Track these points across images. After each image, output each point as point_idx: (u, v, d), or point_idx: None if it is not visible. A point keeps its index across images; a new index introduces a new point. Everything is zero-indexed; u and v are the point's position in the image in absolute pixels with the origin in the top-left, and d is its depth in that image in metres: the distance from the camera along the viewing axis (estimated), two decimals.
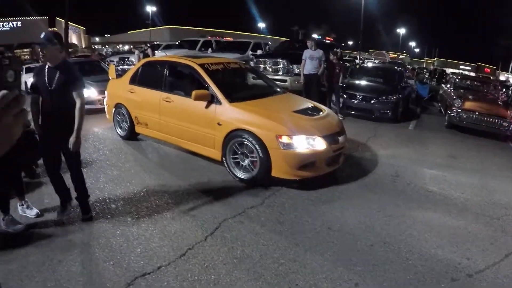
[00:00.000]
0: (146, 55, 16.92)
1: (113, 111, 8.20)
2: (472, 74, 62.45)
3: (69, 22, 32.31)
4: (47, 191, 5.23)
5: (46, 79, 4.09)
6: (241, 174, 5.87)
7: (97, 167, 6.44)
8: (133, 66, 12.87)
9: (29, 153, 5.23)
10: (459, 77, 17.13)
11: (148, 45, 22.34)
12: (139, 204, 5.05)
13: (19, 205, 4.69)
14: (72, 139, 4.25)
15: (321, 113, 6.39)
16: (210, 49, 19.26)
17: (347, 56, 33.55)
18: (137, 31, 73.88)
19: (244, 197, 5.35)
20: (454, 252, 4.14)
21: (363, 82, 12.97)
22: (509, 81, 39.81)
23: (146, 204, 5.03)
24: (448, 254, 4.09)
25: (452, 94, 12.78)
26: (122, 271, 3.58)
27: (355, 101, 11.69)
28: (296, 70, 12.79)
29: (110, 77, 8.70)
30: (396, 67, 16.32)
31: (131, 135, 7.97)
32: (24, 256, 3.78)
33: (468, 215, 5.12)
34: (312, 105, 6.76)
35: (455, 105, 11.13)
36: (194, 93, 6.04)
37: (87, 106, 10.68)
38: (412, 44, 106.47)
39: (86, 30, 67.97)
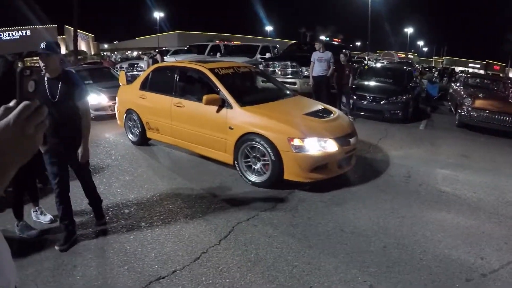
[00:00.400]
0: (155, 61, 17.00)
1: (124, 117, 8.27)
2: (481, 71, 62.02)
3: (78, 30, 32.54)
4: None
5: (48, 91, 3.89)
6: (253, 178, 5.89)
7: (109, 173, 6.49)
8: (142, 72, 12.94)
9: (42, 160, 5.29)
10: (468, 75, 16.99)
11: (157, 50, 22.45)
12: (152, 208, 5.09)
13: (33, 211, 4.75)
14: (80, 150, 4.16)
15: (331, 115, 6.39)
16: (218, 54, 19.30)
17: (355, 57, 33.44)
18: (145, 37, 74.26)
19: (256, 200, 5.37)
20: (468, 252, 4.12)
21: (373, 83, 12.94)
22: None
23: (159, 209, 5.07)
24: (462, 254, 4.07)
25: (462, 92, 12.68)
26: (137, 275, 3.61)
27: (365, 102, 11.67)
28: (305, 72, 12.79)
29: (120, 83, 8.77)
30: (405, 67, 16.26)
31: (143, 141, 8.02)
32: (39, 262, 3.83)
33: (481, 215, 5.09)
34: (323, 107, 6.77)
35: (465, 103, 11.04)
36: (205, 97, 6.08)
37: (98, 113, 10.96)
38: (420, 43, 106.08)
39: (95, 37, 68.43)
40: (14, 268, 1.14)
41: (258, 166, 5.87)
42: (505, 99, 12.10)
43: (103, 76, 13.25)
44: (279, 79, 10.06)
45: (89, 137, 4.24)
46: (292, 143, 5.45)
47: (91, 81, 12.32)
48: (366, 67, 18.98)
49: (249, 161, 5.95)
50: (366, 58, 38.01)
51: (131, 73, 16.36)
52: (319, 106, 6.81)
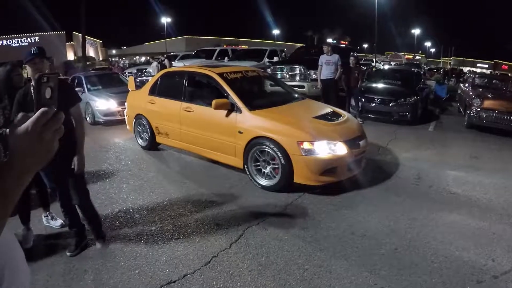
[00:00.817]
0: (163, 66, 17.12)
1: (134, 122, 8.32)
2: (490, 71, 61.66)
3: (86, 36, 32.74)
4: None
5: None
6: (263, 181, 5.90)
7: (119, 178, 6.54)
8: (150, 77, 13.01)
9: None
10: (476, 75, 16.89)
11: (165, 56, 22.55)
12: (163, 213, 5.11)
13: (44, 216, 4.79)
14: (76, 159, 3.96)
15: (341, 118, 6.39)
16: (226, 58, 19.34)
17: (363, 59, 33.39)
18: (153, 42, 74.57)
19: (267, 204, 5.38)
20: (479, 253, 4.10)
21: (381, 85, 12.90)
22: None
23: (170, 213, 5.09)
24: (473, 256, 4.05)
25: (471, 93, 12.60)
26: (148, 279, 3.63)
27: (374, 104, 11.66)
28: (313, 75, 12.78)
29: (129, 89, 8.83)
30: (413, 69, 16.21)
31: (152, 145, 8.07)
32: (50, 266, 3.86)
33: (492, 216, 5.06)
34: (332, 110, 6.77)
35: (474, 104, 10.96)
36: (214, 102, 6.10)
37: (107, 118, 11.05)
38: (428, 44, 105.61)
39: (103, 43, 68.80)
40: (29, 272, 1.16)
41: (268, 169, 5.88)
42: None
43: (112, 81, 13.38)
44: (287, 83, 10.05)
45: (84, 145, 4.08)
46: (301, 146, 5.46)
47: (100, 87, 12.43)
48: (374, 69, 18.96)
49: (258, 165, 5.96)
50: (374, 60, 37.93)
51: (139, 78, 16.44)
52: (328, 109, 6.82)
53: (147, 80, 11.03)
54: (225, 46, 25.88)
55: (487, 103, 10.77)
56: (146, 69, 22.48)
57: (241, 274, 3.70)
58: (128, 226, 4.73)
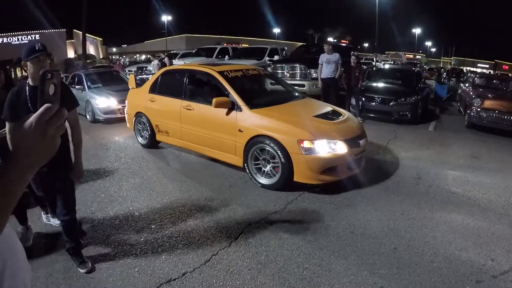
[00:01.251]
0: (163, 64, 17.11)
1: (134, 120, 8.32)
2: (491, 71, 61.66)
3: (86, 34, 32.74)
4: None
5: (28, 100, 3.36)
6: (263, 180, 5.90)
7: (119, 176, 6.54)
8: (151, 75, 13.02)
9: None
10: (477, 75, 16.88)
11: (165, 54, 22.53)
12: (163, 211, 5.11)
13: (44, 214, 4.78)
14: (75, 167, 3.75)
15: (341, 117, 6.39)
16: (227, 56, 19.36)
17: (363, 58, 33.40)
18: (153, 40, 74.56)
19: (266, 202, 5.38)
20: (478, 253, 4.10)
21: (381, 85, 12.91)
22: None
23: (169, 211, 5.09)
24: (472, 255, 4.05)
25: (471, 93, 12.60)
26: (147, 277, 3.63)
27: (374, 103, 11.67)
28: (314, 74, 12.80)
29: (130, 87, 8.83)
30: (413, 68, 16.21)
31: (152, 143, 8.07)
32: (50, 263, 3.86)
33: (492, 216, 5.06)
34: (332, 109, 6.77)
35: (475, 104, 10.96)
36: (214, 100, 6.10)
37: (108, 116, 11.05)
38: (428, 43, 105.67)
39: (103, 40, 68.82)
40: (30, 269, 1.17)
41: (268, 168, 5.88)
42: None
43: (113, 79, 13.37)
44: (288, 81, 10.06)
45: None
46: (302, 145, 5.46)
47: (100, 85, 12.44)
48: (374, 68, 18.96)
49: (258, 164, 5.97)
50: (374, 59, 37.93)
51: (139, 76, 16.46)
52: (328, 108, 6.82)
53: (147, 78, 11.03)
54: (225, 44, 25.86)
55: (488, 103, 10.78)
56: (146, 67, 22.51)
57: (240, 272, 3.70)
58: (127, 224, 4.72)
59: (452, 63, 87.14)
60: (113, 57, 60.88)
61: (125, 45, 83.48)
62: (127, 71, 21.90)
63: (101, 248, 4.19)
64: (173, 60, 19.51)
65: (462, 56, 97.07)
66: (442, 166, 7.21)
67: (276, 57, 16.78)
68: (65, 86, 3.90)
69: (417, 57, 73.07)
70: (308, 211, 5.12)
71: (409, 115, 11.30)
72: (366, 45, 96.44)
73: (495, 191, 5.96)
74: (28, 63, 3.35)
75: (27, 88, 3.41)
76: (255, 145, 5.89)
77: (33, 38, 46.07)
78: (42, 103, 0.92)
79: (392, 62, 39.95)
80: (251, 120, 6.01)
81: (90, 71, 15.58)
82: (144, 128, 8.16)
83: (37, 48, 3.34)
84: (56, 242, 4.29)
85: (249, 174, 6.05)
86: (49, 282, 3.55)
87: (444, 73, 33.23)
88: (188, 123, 6.96)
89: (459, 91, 15.83)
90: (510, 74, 44.96)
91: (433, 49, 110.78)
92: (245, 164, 6.07)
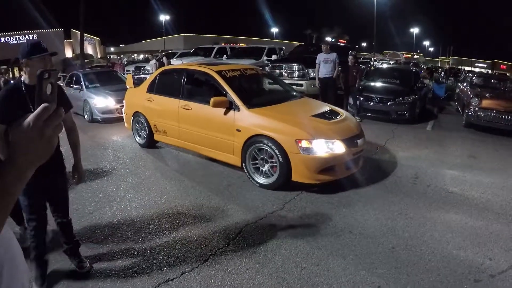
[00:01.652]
0: (161, 64, 17.09)
1: (132, 119, 8.32)
2: (488, 71, 61.77)
3: (84, 33, 32.67)
4: (70, 200, 5.32)
5: (29, 102, 2.99)
6: (261, 180, 5.90)
7: (117, 175, 6.53)
8: (149, 75, 13.00)
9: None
10: (475, 75, 16.91)
11: (163, 53, 22.50)
12: (161, 211, 5.11)
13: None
14: (76, 171, 3.66)
15: (339, 116, 6.39)
16: (225, 56, 19.33)
17: (361, 58, 33.41)
18: (151, 40, 74.53)
19: (264, 202, 5.38)
20: (476, 253, 4.11)
21: (379, 84, 12.92)
22: None
23: (168, 211, 5.09)
24: (470, 255, 4.06)
25: (469, 92, 12.62)
26: (146, 277, 3.63)
27: (372, 103, 11.68)
28: (312, 74, 12.78)
29: (127, 86, 8.82)
30: (411, 68, 16.22)
31: (150, 143, 8.07)
32: (49, 264, 3.84)
33: (490, 216, 5.07)
34: (330, 108, 6.77)
35: (472, 103, 10.98)
36: (212, 100, 6.10)
37: (105, 115, 11.04)
38: (426, 43, 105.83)
39: (101, 40, 68.75)
40: (27, 270, 1.16)
41: (266, 168, 5.88)
42: None
43: (110, 79, 13.35)
44: (286, 81, 10.05)
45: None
46: (300, 144, 5.46)
47: (98, 84, 12.42)
48: (372, 68, 18.96)
49: (256, 163, 5.96)
50: (372, 59, 37.96)
51: (137, 76, 16.44)
52: (326, 107, 6.81)
53: (145, 78, 11.02)
54: (223, 44, 25.82)
55: (485, 103, 10.79)
56: (144, 66, 22.48)
57: (238, 272, 3.70)
58: (125, 224, 4.72)
59: (450, 62, 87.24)
60: (111, 57, 60.80)
61: (123, 45, 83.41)
62: (127, 70, 21.88)
63: (99, 248, 4.18)
64: (171, 60, 19.47)
65: (460, 56, 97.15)
66: (440, 165, 7.22)
67: (274, 57, 16.75)
68: (59, 87, 3.78)
69: (415, 56, 73.16)
70: (306, 210, 5.12)
71: (407, 114, 11.31)
72: (364, 44, 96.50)
73: (493, 191, 5.97)
74: (30, 61, 3.10)
75: (23, 87, 3.13)
76: (253, 145, 5.89)
77: (31, 38, 46.00)
78: (39, 102, 0.92)
79: (390, 62, 40.02)
80: (249, 119, 6.01)
81: (88, 70, 15.56)
82: (142, 127, 8.15)
83: (43, 47, 3.14)
84: (53, 242, 4.28)
85: (247, 174, 6.05)
86: (47, 283, 3.53)
87: (442, 73, 33.24)
88: (186, 123, 6.96)
89: (457, 90, 15.86)
90: (508, 74, 45.03)
91: (431, 49, 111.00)
92: (243, 164, 6.07)
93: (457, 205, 5.38)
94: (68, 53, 51.43)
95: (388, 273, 3.69)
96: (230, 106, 6.21)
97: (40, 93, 0.95)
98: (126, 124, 8.76)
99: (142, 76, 16.59)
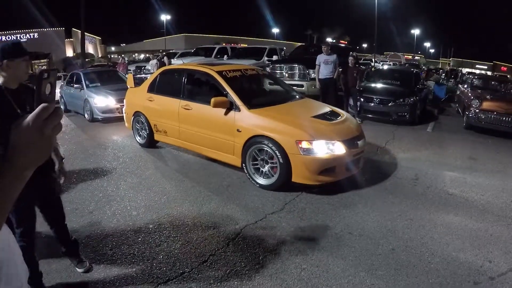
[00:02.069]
0: (162, 63, 17.10)
1: (132, 119, 8.32)
2: (489, 73, 61.75)
3: (85, 33, 32.67)
4: (68, 198, 5.33)
5: (13, 104, 2.78)
6: (261, 180, 5.90)
7: (117, 175, 6.53)
8: (149, 74, 13.00)
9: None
10: (475, 77, 16.91)
11: (164, 53, 22.50)
12: (160, 211, 5.10)
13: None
14: (58, 169, 3.47)
15: (339, 117, 6.38)
16: (225, 56, 19.33)
17: (362, 59, 33.40)
18: (152, 39, 74.53)
19: (264, 203, 5.38)
20: (476, 255, 4.11)
21: (380, 85, 12.92)
22: None
23: (167, 211, 5.09)
24: (470, 257, 4.06)
25: (470, 94, 12.62)
26: (145, 277, 3.62)
27: (372, 104, 11.68)
28: (312, 75, 12.77)
29: (128, 86, 8.82)
30: (412, 69, 16.22)
31: (150, 143, 8.07)
32: (46, 263, 3.82)
33: (489, 218, 5.07)
34: (330, 109, 6.76)
35: (473, 105, 10.98)
36: (213, 100, 6.09)
37: (106, 115, 11.02)
38: (427, 44, 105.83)
39: (102, 39, 68.74)
40: (26, 270, 1.16)
41: (266, 168, 5.87)
42: None
43: (111, 78, 13.34)
44: (287, 82, 10.05)
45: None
46: (300, 145, 5.45)
47: (98, 84, 12.42)
48: (373, 69, 18.96)
49: (257, 164, 5.96)
50: (373, 60, 37.93)
51: (138, 75, 16.43)
52: (327, 108, 6.81)
53: (146, 78, 11.02)
54: (224, 44, 25.85)
55: (486, 105, 10.79)
56: (145, 66, 22.47)
57: (238, 273, 3.70)
58: (125, 224, 4.71)
59: (451, 64, 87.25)
60: (112, 56, 60.82)
61: (124, 44, 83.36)
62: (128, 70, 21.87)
63: (99, 247, 4.18)
64: (172, 60, 19.48)
65: (460, 57, 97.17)
66: (440, 167, 7.22)
67: (274, 57, 16.76)
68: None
69: (416, 58, 73.12)
70: (306, 211, 5.11)
71: (407, 116, 11.31)
72: (365, 45, 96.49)
73: (493, 193, 5.96)
74: (12, 63, 2.83)
75: (3, 92, 2.82)
76: (254, 145, 5.89)
77: (32, 37, 46.04)
78: (38, 102, 0.92)
79: (390, 64, 39.99)
80: (249, 120, 6.00)
81: (89, 70, 15.55)
82: (142, 127, 8.15)
83: (23, 47, 2.92)
84: (53, 242, 4.28)
85: (247, 174, 6.04)
86: (45, 282, 3.52)
87: (443, 74, 33.24)
88: (186, 123, 6.96)
89: (458, 92, 15.86)
90: (508, 76, 44.98)
91: (432, 50, 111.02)
92: (243, 164, 6.06)
93: (457, 207, 5.38)
94: (69, 52, 51.42)
95: (387, 275, 3.69)
96: (230, 107, 6.20)
97: (39, 93, 0.95)
98: (126, 124, 8.76)
99: (143, 75, 16.60)
